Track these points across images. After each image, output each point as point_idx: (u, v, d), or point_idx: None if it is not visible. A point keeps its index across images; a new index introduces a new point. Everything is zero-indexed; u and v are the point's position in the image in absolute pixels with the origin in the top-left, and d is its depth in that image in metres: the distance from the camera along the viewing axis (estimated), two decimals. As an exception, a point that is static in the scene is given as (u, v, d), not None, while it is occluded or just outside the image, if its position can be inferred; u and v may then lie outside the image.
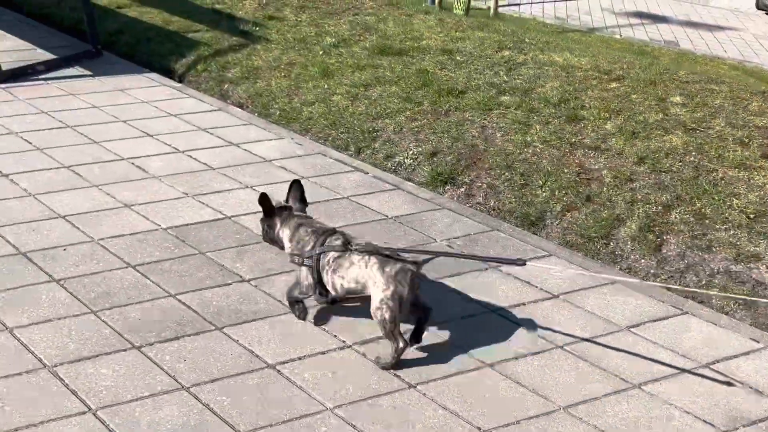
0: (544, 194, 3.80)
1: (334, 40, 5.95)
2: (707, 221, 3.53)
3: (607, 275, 3.15)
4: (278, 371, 2.53)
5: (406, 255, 2.60)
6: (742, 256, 3.30)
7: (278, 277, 3.02)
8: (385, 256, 2.55)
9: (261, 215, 2.86)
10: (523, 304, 2.94)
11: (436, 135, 4.37)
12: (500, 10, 10.88)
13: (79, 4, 5.76)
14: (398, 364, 2.55)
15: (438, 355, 2.64)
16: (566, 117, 4.60)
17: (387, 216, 3.56)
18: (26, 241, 3.25)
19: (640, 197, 3.73)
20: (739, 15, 14.09)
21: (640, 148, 4.21)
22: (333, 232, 2.73)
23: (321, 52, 5.70)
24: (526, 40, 6.25)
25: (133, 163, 4.02)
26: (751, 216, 3.56)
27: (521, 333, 2.76)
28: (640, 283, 3.07)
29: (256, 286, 2.99)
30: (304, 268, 2.72)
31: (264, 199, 2.79)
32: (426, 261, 3.03)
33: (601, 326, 2.86)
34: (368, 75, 5.21)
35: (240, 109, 4.88)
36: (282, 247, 2.84)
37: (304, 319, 2.81)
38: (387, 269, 2.52)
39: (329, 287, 2.71)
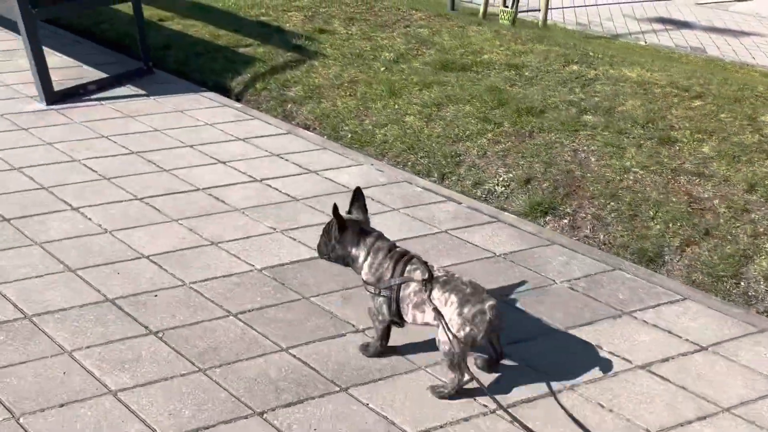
0: (657, 227, 3.56)
1: (392, 55, 5.72)
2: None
3: (751, 321, 2.90)
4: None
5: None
6: None
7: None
8: (466, 293, 2.34)
9: (325, 227, 2.59)
10: (671, 357, 2.70)
11: (525, 159, 4.13)
12: (520, 16, 10.69)
13: (125, 19, 5.51)
14: (457, 392, 2.41)
15: (596, 422, 2.38)
16: (658, 139, 4.36)
17: (494, 253, 3.32)
18: (111, 285, 2.99)
19: (762, 230, 3.50)
20: (762, 20, 13.89)
21: (746, 174, 3.97)
22: (410, 258, 2.50)
23: (383, 69, 5.47)
24: (590, 53, 6.02)
25: (210, 194, 3.77)
26: None
27: (681, 397, 2.50)
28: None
29: (372, 337, 2.76)
30: (380, 298, 2.50)
31: (337, 212, 2.53)
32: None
33: (765, 385, 2.61)
34: (437, 93, 4.97)
35: (309, 132, 4.62)
36: (346, 265, 2.58)
37: (378, 355, 2.60)
38: (465, 310, 2.33)
39: (407, 318, 2.50)
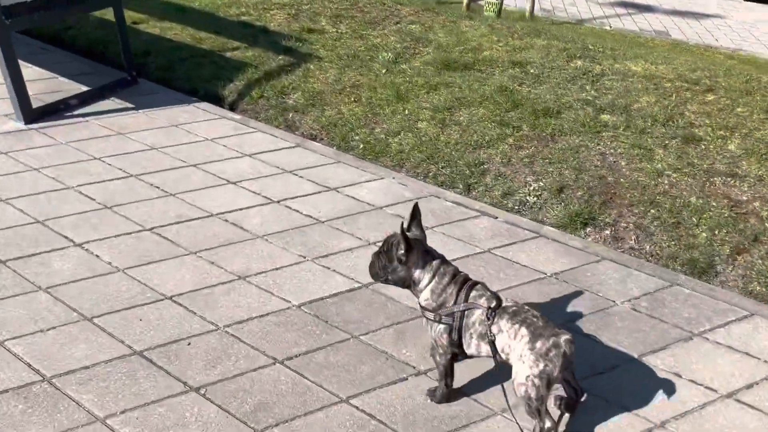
0: (703, 234, 3.43)
1: (390, 55, 5.46)
2: None
3: None
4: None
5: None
6: None
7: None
8: (538, 326, 2.16)
9: (382, 247, 2.35)
10: (755, 383, 2.55)
11: (553, 165, 3.96)
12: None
13: (94, 23, 5.09)
14: None
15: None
16: (682, 137, 4.24)
17: (545, 273, 3.13)
18: (136, 334, 2.68)
19: (809, 233, 3.43)
20: (722, 3, 14.09)
21: (778, 171, 3.90)
22: (474, 284, 2.31)
23: (383, 71, 5.21)
24: (590, 46, 5.88)
25: (226, 220, 3.47)
26: None
27: None
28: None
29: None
30: (441, 326, 2.29)
31: (405, 231, 2.30)
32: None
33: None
34: (446, 95, 4.74)
35: (317, 143, 4.33)
36: (405, 287, 2.35)
37: (447, 400, 2.39)
38: (538, 345, 2.14)
39: (468, 349, 2.30)
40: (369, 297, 2.95)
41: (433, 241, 3.27)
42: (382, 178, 3.89)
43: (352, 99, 4.77)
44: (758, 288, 3.12)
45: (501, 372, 2.41)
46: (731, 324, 2.84)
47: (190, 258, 3.17)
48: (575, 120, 4.37)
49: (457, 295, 2.28)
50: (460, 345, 2.32)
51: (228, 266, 3.12)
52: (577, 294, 2.99)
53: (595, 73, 5.11)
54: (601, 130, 4.28)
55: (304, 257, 3.20)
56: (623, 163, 3.96)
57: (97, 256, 3.16)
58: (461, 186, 3.89)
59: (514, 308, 2.26)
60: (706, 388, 2.52)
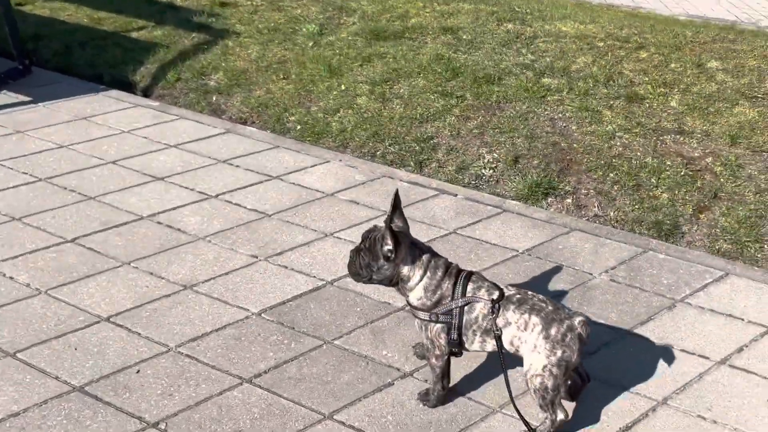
0: (664, 195, 3.36)
1: (314, 26, 5.11)
2: None
3: None
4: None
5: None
6: None
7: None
8: (548, 311, 2.01)
9: (364, 244, 2.10)
10: (745, 346, 2.48)
11: (504, 135, 3.79)
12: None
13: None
14: None
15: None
16: (625, 97, 4.17)
17: (517, 250, 2.97)
18: (73, 367, 2.29)
19: (764, 186, 3.42)
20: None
21: (722, 126, 3.87)
22: (470, 275, 2.11)
23: (310, 44, 4.86)
24: (517, 8, 5.75)
25: (160, 222, 3.08)
26: None
27: None
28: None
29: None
30: (438, 326, 2.09)
31: (391, 226, 2.04)
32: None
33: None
34: (381, 67, 4.45)
35: (252, 128, 3.95)
36: (390, 285, 2.11)
37: (442, 402, 2.20)
38: (552, 331, 1.99)
39: (471, 346, 2.11)
40: (336, 295, 2.69)
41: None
42: (327, 162, 3.60)
43: (281, 76, 4.41)
44: (725, 246, 3.10)
45: (496, 364, 2.23)
46: (709, 286, 2.78)
47: (124, 270, 2.79)
48: (518, 86, 4.22)
49: (454, 290, 2.07)
50: (460, 343, 2.12)
51: (170, 275, 2.76)
52: (554, 270, 2.86)
53: (528, 36, 4.99)
54: (545, 95, 4.16)
55: (256, 257, 2.88)
56: (574, 127, 3.86)
57: (11, 278, 2.70)
58: (412, 164, 3.67)
59: (518, 296, 2.07)
60: (699, 356, 2.44)
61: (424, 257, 2.09)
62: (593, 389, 2.25)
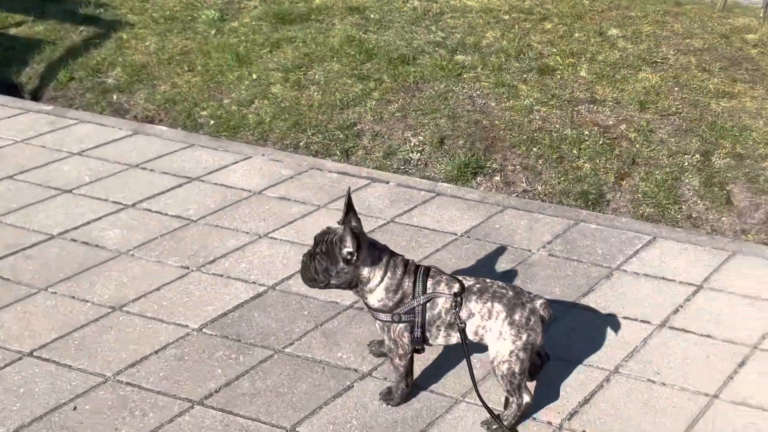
0: (586, 165, 3.44)
1: (214, 12, 4.83)
2: (748, 161, 3.44)
3: (718, 246, 2.87)
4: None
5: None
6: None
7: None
8: (509, 297, 2.02)
9: (321, 248, 2.03)
10: (680, 306, 2.59)
11: (426, 116, 3.74)
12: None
13: None
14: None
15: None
16: (537, 70, 4.23)
17: (456, 233, 2.94)
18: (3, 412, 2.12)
19: (675, 149, 3.58)
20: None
21: (629, 93, 4.01)
22: (426, 270, 2.09)
23: (213, 32, 4.59)
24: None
25: (74, 239, 2.80)
26: (777, 146, 3.62)
27: (711, 347, 2.38)
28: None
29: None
30: (401, 325, 2.06)
31: (351, 226, 1.98)
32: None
33: None
34: (291, 52, 4.28)
35: (161, 127, 3.68)
36: (348, 288, 2.05)
37: (406, 399, 2.17)
38: (516, 317, 2.01)
39: (435, 341, 2.10)
40: (280, 300, 2.57)
41: (331, 222, 2.98)
42: (249, 157, 3.44)
43: (186, 68, 4.15)
44: (648, 210, 3.24)
45: (453, 355, 2.25)
46: (640, 251, 2.90)
47: (41, 296, 2.53)
48: (433, 65, 4.19)
49: (414, 287, 2.02)
50: (423, 340, 2.08)
51: (95, 297, 2.54)
52: (494, 250, 2.87)
53: (435, 12, 4.96)
54: (461, 72, 4.16)
55: (188, 268, 2.70)
56: (493, 104, 3.88)
57: None
58: (338, 152, 3.57)
59: (478, 285, 2.05)
60: (641, 321, 2.54)
61: (384, 257, 2.03)
62: (549, 366, 2.29)
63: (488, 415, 2.13)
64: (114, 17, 4.70)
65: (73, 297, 2.53)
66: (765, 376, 2.31)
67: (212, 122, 3.75)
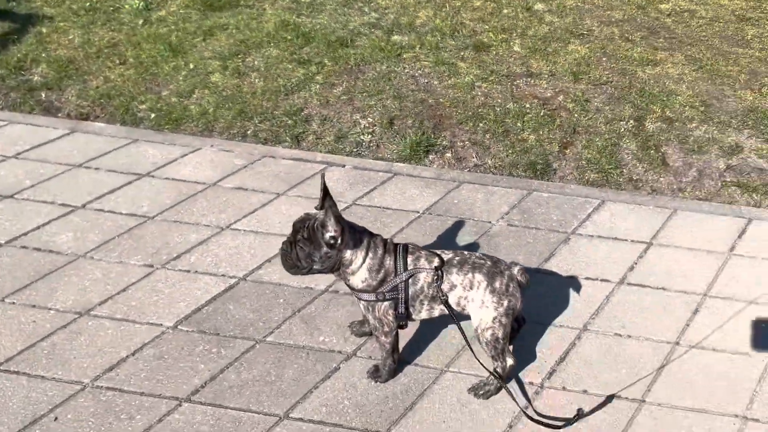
0: (530, 137, 3.56)
1: (138, 2, 4.61)
2: (677, 123, 3.66)
3: (657, 203, 3.06)
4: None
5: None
6: (729, 147, 3.50)
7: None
8: (488, 266, 2.12)
9: (303, 234, 2.04)
10: (635, 264, 2.74)
11: (372, 98, 3.73)
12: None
13: None
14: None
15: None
16: (473, 47, 4.32)
17: (418, 211, 2.98)
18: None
19: (610, 116, 3.75)
20: None
21: (562, 65, 4.17)
22: (405, 247, 2.15)
23: (141, 22, 4.38)
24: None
25: (24, 246, 2.65)
26: (701, 109, 3.85)
27: (668, 299, 2.54)
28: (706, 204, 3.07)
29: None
30: (385, 304, 2.11)
31: (336, 210, 2.00)
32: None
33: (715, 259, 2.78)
34: (226, 40, 4.16)
35: (100, 123, 3.49)
36: (331, 272, 2.08)
37: (393, 376, 2.23)
38: (497, 284, 2.11)
39: (419, 315, 2.17)
40: (253, 290, 2.54)
41: (292, 208, 2.95)
42: (198, 149, 3.34)
43: (117, 62, 3.97)
44: (593, 175, 3.39)
45: (431, 328, 2.31)
46: (592, 215, 3.04)
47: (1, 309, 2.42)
48: (372, 46, 4.20)
49: (395, 265, 2.06)
50: (407, 315, 2.13)
51: (57, 304, 2.42)
52: (456, 224, 2.94)
53: (364, -6, 4.99)
54: (400, 53, 4.18)
55: (152, 266, 2.62)
56: (435, 83, 3.94)
57: None
58: (288, 139, 3.52)
59: (458, 258, 2.12)
60: (601, 280, 2.67)
61: (364, 239, 2.05)
62: (524, 329, 2.39)
63: (473, 382, 2.23)
64: (28, 11, 4.41)
65: (34, 306, 2.41)
66: (717, 321, 2.51)
67: (153, 116, 3.61)
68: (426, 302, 2.14)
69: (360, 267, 2.07)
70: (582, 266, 2.74)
